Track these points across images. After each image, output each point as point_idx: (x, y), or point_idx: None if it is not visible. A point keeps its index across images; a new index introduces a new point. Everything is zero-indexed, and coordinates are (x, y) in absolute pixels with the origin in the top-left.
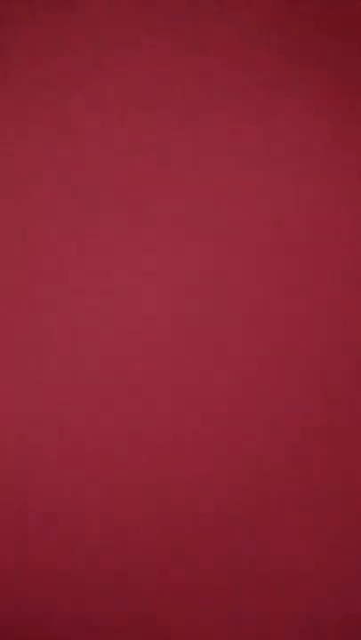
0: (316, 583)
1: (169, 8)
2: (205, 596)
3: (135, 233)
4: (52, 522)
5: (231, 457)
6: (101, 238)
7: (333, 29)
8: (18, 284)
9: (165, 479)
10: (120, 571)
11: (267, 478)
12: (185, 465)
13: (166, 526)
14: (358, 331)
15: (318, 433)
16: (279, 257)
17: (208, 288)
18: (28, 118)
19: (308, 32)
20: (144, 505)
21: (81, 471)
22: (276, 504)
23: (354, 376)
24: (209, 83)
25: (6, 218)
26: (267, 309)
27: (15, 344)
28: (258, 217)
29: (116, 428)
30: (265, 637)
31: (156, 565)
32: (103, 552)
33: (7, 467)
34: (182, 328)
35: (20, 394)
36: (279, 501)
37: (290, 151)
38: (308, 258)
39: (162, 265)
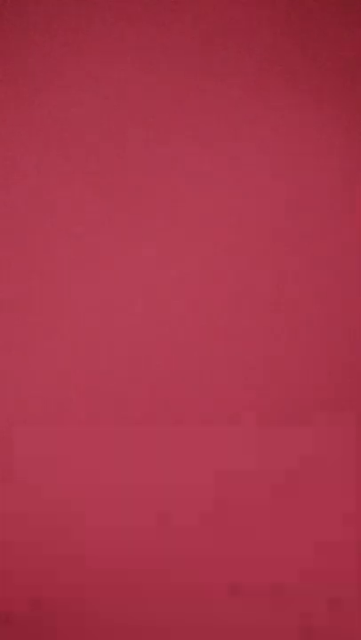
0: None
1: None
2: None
3: (136, 228)
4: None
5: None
6: (102, 235)
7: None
8: (17, 282)
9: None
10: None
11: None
12: (188, 463)
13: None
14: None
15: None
16: (279, 253)
17: (209, 285)
18: (28, 117)
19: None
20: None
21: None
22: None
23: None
24: (213, 83)
25: (6, 212)
26: (267, 304)
27: (18, 336)
28: (258, 219)
29: (113, 431)
30: None
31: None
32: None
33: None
34: (182, 326)
35: (18, 392)
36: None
37: (290, 152)
38: (308, 252)
39: (162, 262)
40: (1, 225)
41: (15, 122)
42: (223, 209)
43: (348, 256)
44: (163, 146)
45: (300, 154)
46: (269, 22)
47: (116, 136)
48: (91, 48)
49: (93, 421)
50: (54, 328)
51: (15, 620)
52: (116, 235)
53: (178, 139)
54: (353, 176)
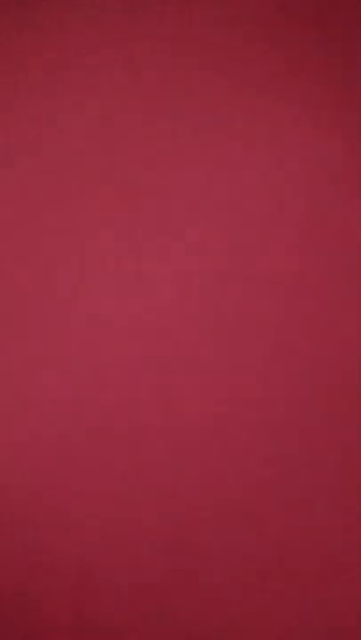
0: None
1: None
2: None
3: (135, 226)
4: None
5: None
6: (101, 233)
7: (334, 35)
8: (16, 280)
9: (169, 482)
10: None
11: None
12: (187, 467)
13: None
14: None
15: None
16: (279, 249)
17: (209, 282)
18: (27, 114)
19: (309, 33)
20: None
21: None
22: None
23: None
24: (210, 78)
25: (4, 216)
26: (266, 301)
27: (15, 338)
28: (258, 218)
29: (115, 429)
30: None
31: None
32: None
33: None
34: (181, 326)
35: (19, 392)
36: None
37: (290, 145)
38: (308, 251)
39: (161, 260)
40: (3, 232)
41: (14, 125)
42: (224, 214)
43: (351, 258)
44: (162, 151)
45: (302, 154)
46: (266, 28)
47: (115, 142)
48: (90, 52)
49: (88, 425)
50: (52, 332)
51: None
52: (116, 240)
53: (178, 145)
54: (354, 175)
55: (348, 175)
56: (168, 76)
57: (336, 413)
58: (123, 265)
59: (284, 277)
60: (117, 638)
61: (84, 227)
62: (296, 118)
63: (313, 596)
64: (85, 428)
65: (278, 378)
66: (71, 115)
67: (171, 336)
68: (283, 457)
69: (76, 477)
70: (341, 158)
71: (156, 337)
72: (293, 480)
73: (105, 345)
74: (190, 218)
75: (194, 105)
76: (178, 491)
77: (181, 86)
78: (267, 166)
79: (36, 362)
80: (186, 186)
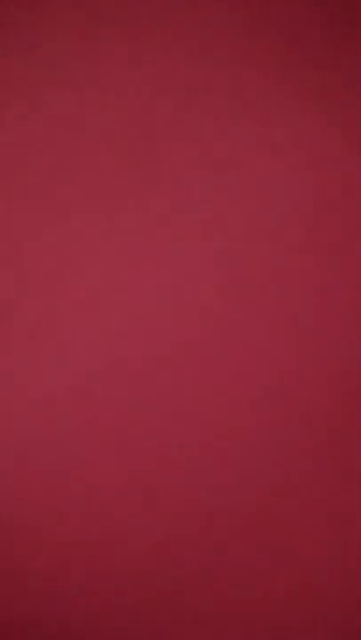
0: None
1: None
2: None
3: (135, 225)
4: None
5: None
6: (100, 231)
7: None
8: (16, 280)
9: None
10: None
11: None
12: (186, 465)
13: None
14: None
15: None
16: (279, 249)
17: (209, 282)
18: (25, 113)
19: (309, 25)
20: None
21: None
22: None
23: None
24: (210, 75)
25: (4, 214)
26: (266, 300)
27: (14, 335)
28: (258, 212)
29: (112, 428)
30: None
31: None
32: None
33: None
34: (181, 326)
35: (17, 388)
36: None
37: (290, 141)
38: (311, 253)
39: (163, 261)
40: (2, 231)
41: (18, 130)
42: (226, 217)
43: (353, 257)
44: (163, 155)
45: (302, 157)
46: (268, 26)
47: (117, 146)
48: (90, 56)
49: (88, 424)
50: (51, 334)
51: None
52: (117, 243)
53: (179, 149)
54: (354, 176)
55: (356, 176)
56: (172, 75)
57: (343, 402)
58: (122, 264)
59: (285, 277)
60: (117, 637)
61: (83, 225)
62: (302, 119)
63: (314, 595)
64: (83, 424)
65: (277, 378)
66: (72, 112)
67: (170, 335)
68: (284, 451)
69: (74, 477)
70: (351, 159)
71: (154, 336)
72: (292, 488)
73: (104, 343)
74: (191, 218)
75: (196, 105)
76: (177, 491)
77: (184, 87)
78: (272, 168)
79: (31, 361)
80: (187, 186)
